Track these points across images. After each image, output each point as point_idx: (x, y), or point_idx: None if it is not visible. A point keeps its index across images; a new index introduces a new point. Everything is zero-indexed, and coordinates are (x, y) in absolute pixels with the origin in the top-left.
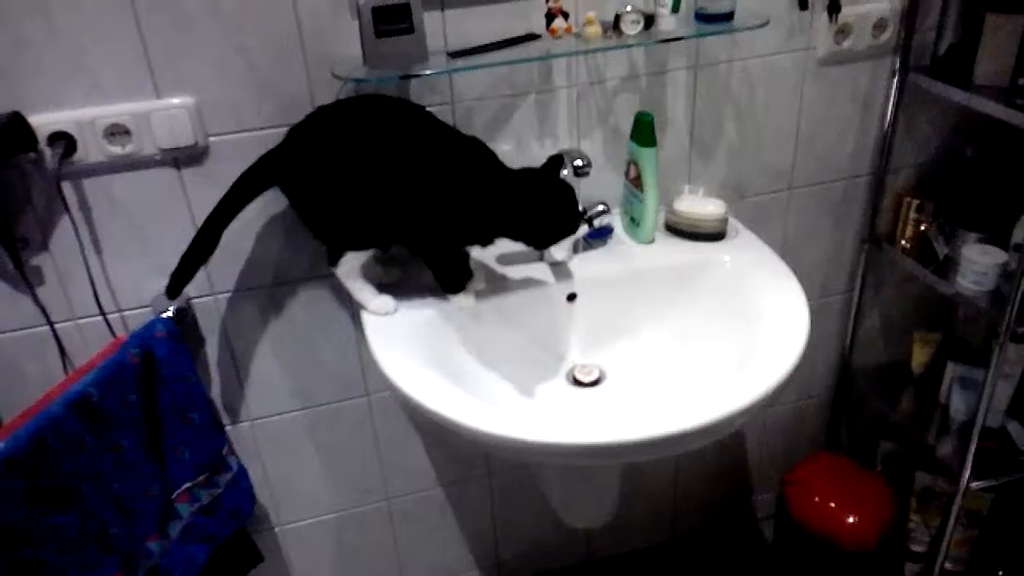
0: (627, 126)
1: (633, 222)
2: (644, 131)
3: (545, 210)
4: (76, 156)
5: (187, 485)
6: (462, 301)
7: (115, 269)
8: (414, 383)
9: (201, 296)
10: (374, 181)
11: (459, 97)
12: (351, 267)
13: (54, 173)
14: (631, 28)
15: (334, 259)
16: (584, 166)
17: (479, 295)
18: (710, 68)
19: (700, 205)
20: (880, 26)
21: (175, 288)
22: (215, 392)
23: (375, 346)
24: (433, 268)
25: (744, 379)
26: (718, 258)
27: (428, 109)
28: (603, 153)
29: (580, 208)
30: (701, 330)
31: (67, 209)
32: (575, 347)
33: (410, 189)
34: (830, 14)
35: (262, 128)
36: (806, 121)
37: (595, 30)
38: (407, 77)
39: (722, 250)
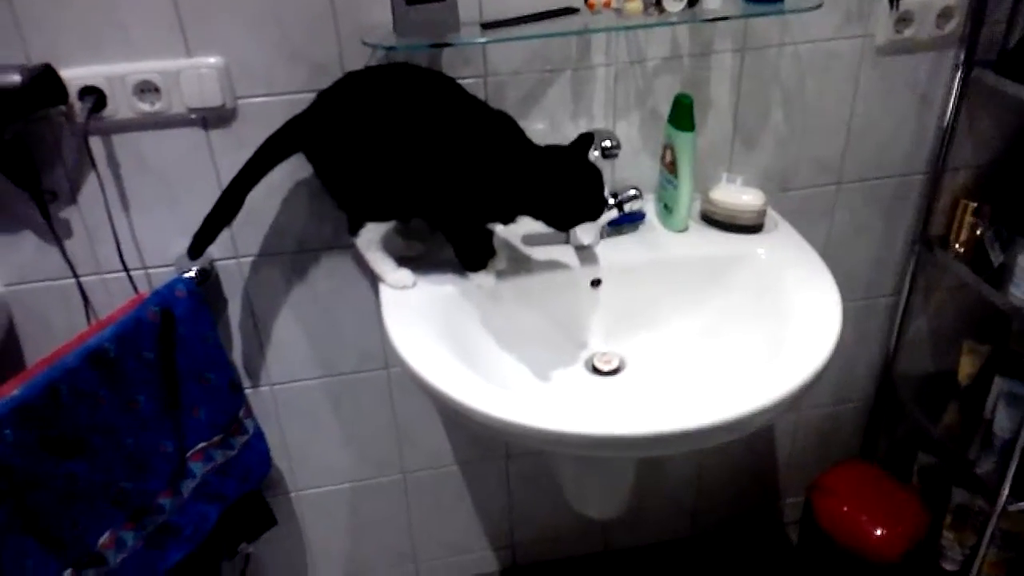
0: (666, 108)
1: (666, 209)
2: (682, 114)
3: (568, 190)
4: (106, 112)
5: (202, 445)
6: (482, 280)
7: (141, 226)
8: (424, 360)
9: (225, 259)
10: (397, 151)
11: (493, 70)
12: (371, 238)
13: (83, 127)
14: (674, 5)
15: (355, 228)
16: (613, 147)
17: (500, 275)
18: (758, 51)
19: (738, 195)
20: (945, 15)
21: (197, 249)
22: (236, 355)
23: (388, 319)
24: (454, 244)
25: (769, 377)
26: (753, 251)
27: (461, 81)
28: (639, 136)
29: (609, 191)
30: (729, 325)
31: (95, 164)
32: (596, 334)
33: (433, 161)
34: (891, 0)
35: (291, 92)
36: (859, 112)
37: (636, 6)
38: (437, 46)
39: (758, 243)
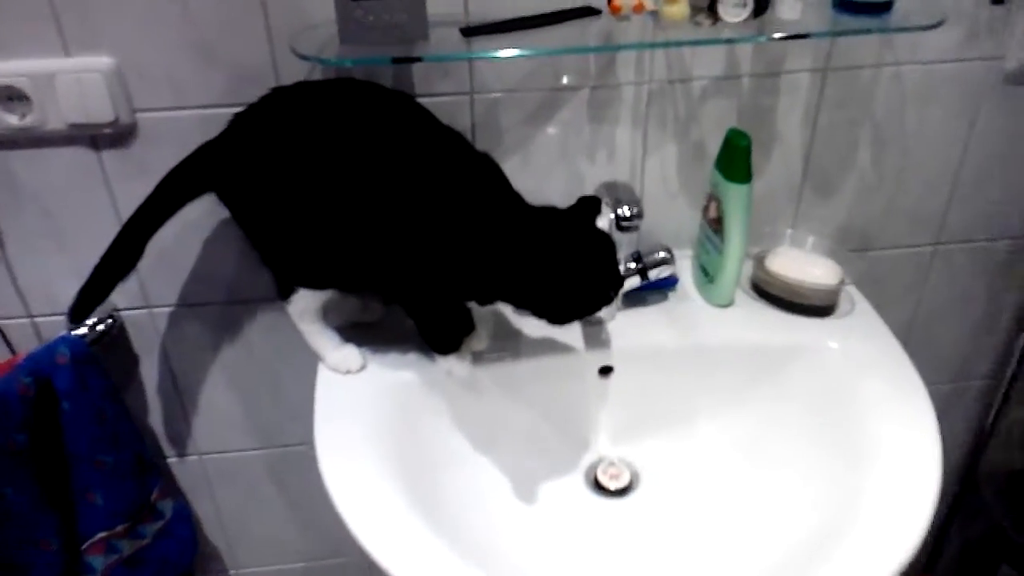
0: (714, 143)
1: (706, 276)
2: (736, 159)
3: (565, 275)
4: None
5: (102, 535)
6: (453, 366)
7: (23, 267)
8: (363, 511)
9: (132, 308)
10: (335, 201)
11: (481, 86)
12: (305, 307)
13: None
14: (733, 13)
15: (284, 293)
16: (631, 217)
17: (479, 357)
18: (846, 73)
19: (805, 266)
20: None
21: (81, 310)
22: (155, 420)
23: (319, 425)
24: (415, 320)
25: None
26: (821, 343)
27: (438, 100)
28: (676, 176)
29: (630, 253)
30: (779, 445)
31: None
32: (603, 436)
33: (383, 218)
34: None
35: (207, 106)
36: (974, 155)
37: (679, 10)
38: (400, 61)
39: (828, 332)
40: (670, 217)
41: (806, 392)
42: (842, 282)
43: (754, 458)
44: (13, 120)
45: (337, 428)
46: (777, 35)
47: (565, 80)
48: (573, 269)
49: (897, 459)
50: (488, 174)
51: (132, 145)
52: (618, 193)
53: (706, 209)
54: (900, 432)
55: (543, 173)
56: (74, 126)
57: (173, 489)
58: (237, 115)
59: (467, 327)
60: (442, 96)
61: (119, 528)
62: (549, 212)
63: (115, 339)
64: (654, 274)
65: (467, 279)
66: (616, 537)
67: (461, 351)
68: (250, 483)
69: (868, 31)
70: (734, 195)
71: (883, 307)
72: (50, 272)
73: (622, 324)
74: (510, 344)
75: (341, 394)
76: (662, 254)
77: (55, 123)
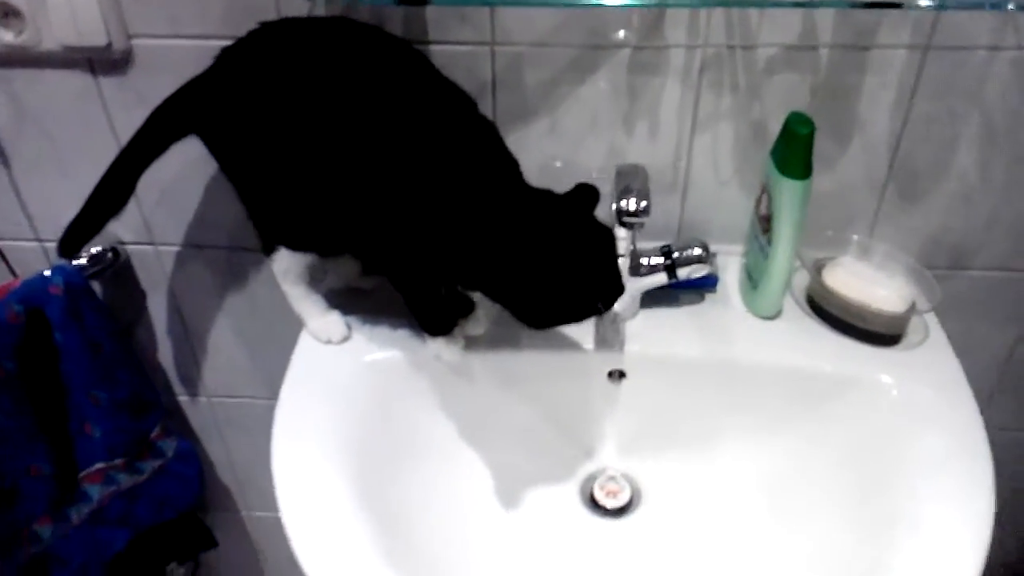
0: (779, 125)
1: (751, 280)
2: (793, 149)
3: (548, 272)
4: None
5: (99, 466)
6: (442, 350)
7: (30, 189)
8: (301, 508)
9: (137, 243)
10: (314, 153)
11: (504, 36)
12: (288, 266)
13: None
14: None
15: (267, 250)
16: (637, 212)
17: (474, 343)
18: (952, 54)
19: (869, 284)
20: None
21: (70, 244)
22: (165, 358)
23: (283, 396)
24: (402, 295)
25: None
26: (874, 379)
27: (455, 48)
28: (730, 160)
29: (660, 247)
30: (802, 492)
31: None
32: (606, 446)
33: (360, 176)
34: None
35: (203, 37)
36: None
37: None
38: (403, 2)
39: (886, 365)
40: (719, 208)
41: (846, 436)
42: (912, 308)
43: (771, 500)
44: (8, 37)
45: (302, 405)
46: (865, 1)
47: (602, 37)
48: (557, 265)
49: (934, 540)
50: (483, 142)
51: (129, 73)
52: (628, 180)
53: (758, 203)
54: (946, 507)
55: (572, 142)
56: (69, 48)
57: (178, 428)
58: (222, 51)
59: (463, 309)
60: (458, 45)
61: (117, 461)
62: (544, 195)
63: (122, 273)
64: (684, 273)
65: (441, 256)
66: (606, 563)
67: (453, 334)
68: (258, 430)
69: (981, 5)
70: (787, 192)
71: (969, 343)
72: (56, 196)
73: (643, 324)
74: (512, 332)
75: (316, 365)
76: (696, 251)
77: (49, 43)
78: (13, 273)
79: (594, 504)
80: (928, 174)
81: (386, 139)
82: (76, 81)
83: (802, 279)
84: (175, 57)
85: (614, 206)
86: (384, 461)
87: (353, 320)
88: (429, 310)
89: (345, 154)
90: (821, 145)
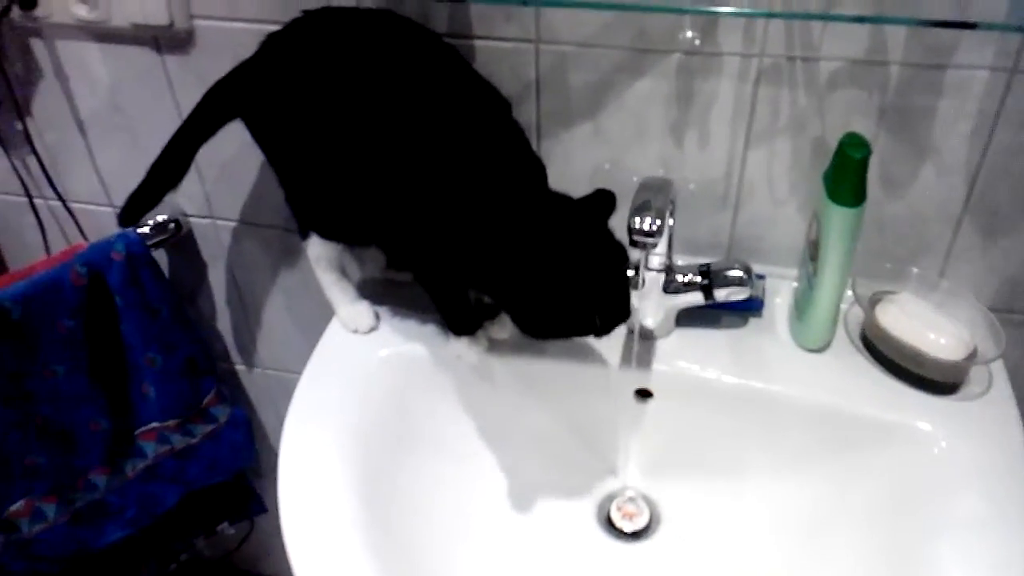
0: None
1: (798, 309)
2: (845, 173)
3: (549, 280)
4: (39, 11)
5: (155, 425)
6: (464, 350)
7: (103, 156)
8: (300, 501)
9: (200, 217)
10: (345, 143)
11: (549, 35)
12: (321, 253)
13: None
14: None
15: (303, 235)
16: (651, 233)
17: (498, 347)
18: None
19: (925, 326)
20: None
21: (130, 214)
22: (224, 327)
23: (303, 381)
24: (427, 291)
25: None
26: (920, 431)
27: (497, 44)
28: (786, 179)
29: (698, 266)
30: (829, 537)
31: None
32: (626, 466)
33: (389, 171)
34: None
35: (261, 21)
36: None
37: None
38: None
39: (938, 417)
40: (774, 228)
41: (879, 487)
42: (973, 356)
43: (790, 542)
44: (82, 12)
45: (321, 390)
46: (934, 19)
47: (652, 40)
48: (556, 272)
49: None
50: (510, 144)
51: (191, 52)
52: (649, 196)
53: (809, 229)
54: None
55: (618, 149)
56: (136, 26)
57: (233, 396)
58: (267, 37)
59: (489, 311)
60: (502, 41)
61: (170, 422)
62: (561, 201)
63: (184, 244)
64: (722, 295)
65: (454, 254)
66: None
67: (477, 335)
68: None
69: None
70: (836, 219)
71: None
72: (126, 165)
73: (677, 344)
74: (537, 341)
75: (340, 352)
76: (736, 272)
77: (119, 19)
78: (84, 236)
79: (610, 525)
80: (1010, 211)
81: (413, 135)
82: (143, 58)
83: (859, 314)
84: (234, 39)
85: (631, 222)
86: (393, 453)
87: (383, 311)
88: (453, 308)
89: (372, 146)
90: (890, 169)
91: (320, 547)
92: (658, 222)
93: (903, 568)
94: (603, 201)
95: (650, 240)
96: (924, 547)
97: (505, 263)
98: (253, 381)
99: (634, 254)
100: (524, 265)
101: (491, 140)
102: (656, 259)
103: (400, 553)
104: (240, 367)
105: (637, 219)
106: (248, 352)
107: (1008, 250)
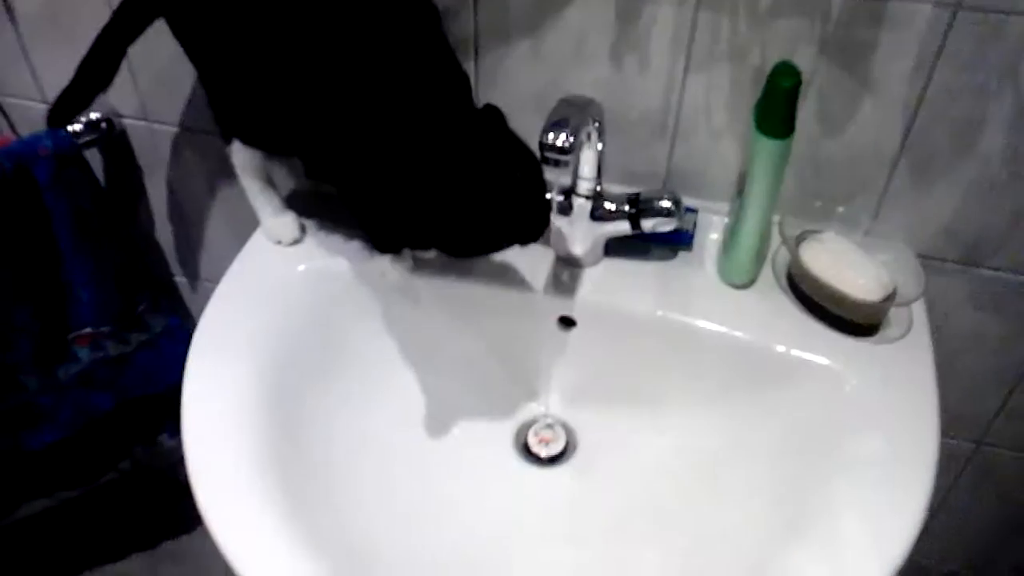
0: None
1: (724, 245)
2: (773, 103)
3: (466, 192)
4: None
5: (88, 330)
6: (387, 268)
7: (35, 50)
8: (206, 415)
9: (136, 118)
10: (265, 45)
11: None
12: (245, 161)
13: None
14: None
15: (227, 139)
16: (565, 149)
17: (423, 266)
18: (987, 18)
19: (846, 267)
20: None
21: (59, 114)
22: (165, 238)
23: (217, 293)
24: (347, 206)
25: None
26: (829, 369)
27: None
28: (724, 109)
29: (628, 194)
30: (731, 473)
31: None
32: (545, 394)
33: (309, 78)
34: None
35: None
36: None
37: None
38: None
39: (852, 358)
40: (712, 161)
41: (787, 423)
42: (892, 298)
43: (699, 471)
44: None
45: (236, 305)
46: None
47: None
48: (470, 184)
49: (839, 555)
50: (431, 54)
51: None
52: (567, 113)
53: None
54: (864, 523)
55: (555, 70)
56: None
57: (172, 307)
58: None
59: None
60: None
61: (104, 329)
62: (477, 113)
63: (119, 147)
64: (649, 225)
65: (372, 167)
66: (528, 507)
67: (401, 253)
68: None
69: None
70: (763, 151)
71: (976, 350)
72: (59, 61)
73: (603, 273)
74: (463, 262)
75: (261, 265)
76: (664, 203)
77: None
78: (15, 132)
79: (526, 450)
80: (947, 155)
81: (331, 39)
82: None
83: (782, 258)
84: None
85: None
86: (309, 372)
87: (310, 225)
88: (375, 224)
89: (291, 49)
90: (828, 105)
91: (223, 464)
92: (571, 139)
93: (799, 506)
94: (493, 115)
95: (562, 157)
96: (822, 486)
97: (422, 174)
98: (195, 296)
99: (548, 174)
100: (442, 175)
101: (413, 49)
102: (585, 184)
103: (307, 470)
104: (180, 279)
105: (551, 135)
106: (189, 264)
107: (943, 197)
